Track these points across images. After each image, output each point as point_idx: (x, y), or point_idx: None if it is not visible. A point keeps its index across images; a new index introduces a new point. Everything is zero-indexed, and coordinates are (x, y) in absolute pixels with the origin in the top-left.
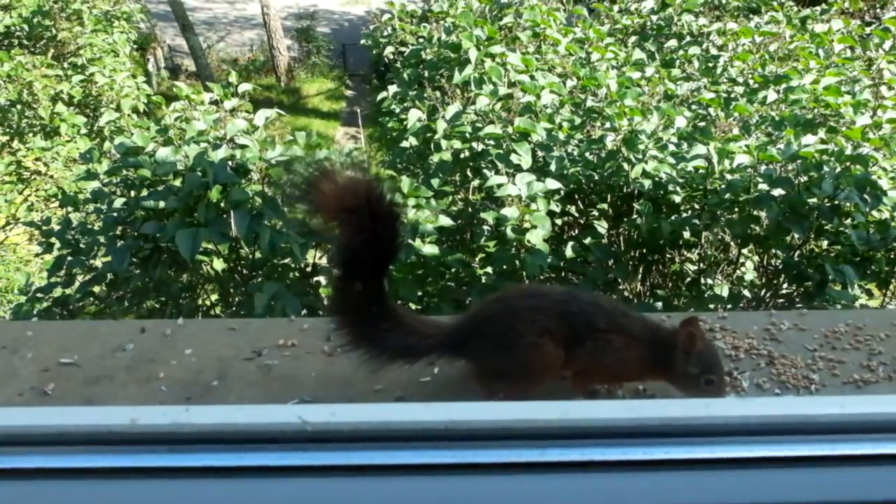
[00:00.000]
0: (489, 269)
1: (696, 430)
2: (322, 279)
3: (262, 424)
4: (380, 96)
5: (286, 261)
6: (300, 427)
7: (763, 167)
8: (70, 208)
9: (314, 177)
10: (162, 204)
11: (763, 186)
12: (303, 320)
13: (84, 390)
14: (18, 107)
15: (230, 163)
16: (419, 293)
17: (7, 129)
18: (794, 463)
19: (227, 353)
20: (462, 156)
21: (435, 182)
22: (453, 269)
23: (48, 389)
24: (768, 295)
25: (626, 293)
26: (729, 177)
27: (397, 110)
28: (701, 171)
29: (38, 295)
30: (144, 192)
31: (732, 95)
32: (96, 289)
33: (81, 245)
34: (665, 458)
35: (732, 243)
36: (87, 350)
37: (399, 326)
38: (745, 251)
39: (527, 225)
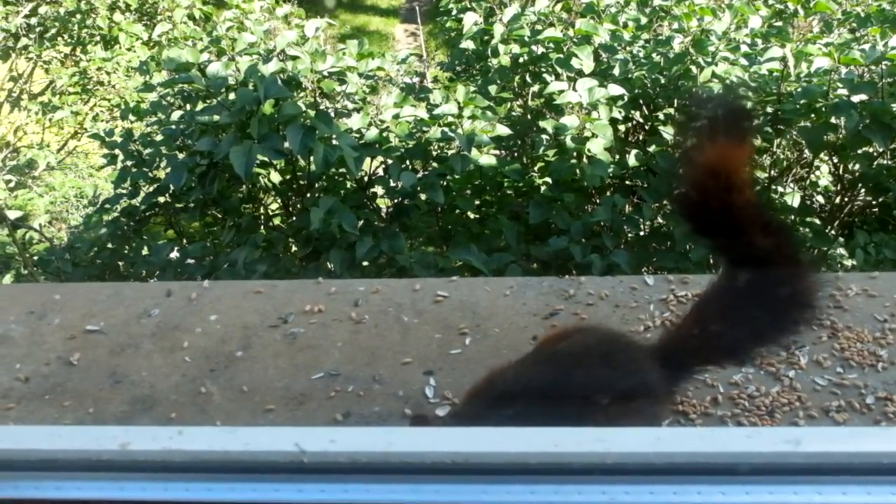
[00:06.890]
0: (548, 179)
1: (733, 468)
2: (378, 190)
3: (257, 453)
4: None
5: (342, 170)
6: (297, 456)
7: (844, 70)
8: (133, 118)
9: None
10: (216, 118)
11: (842, 92)
12: (330, 283)
13: (109, 360)
14: (78, 16)
15: (281, 76)
16: (476, 202)
17: (69, 40)
18: None
19: (253, 320)
20: (521, 60)
21: (492, 89)
22: (511, 179)
23: (74, 360)
24: (844, 201)
25: None
26: (806, 82)
27: (454, 11)
28: (775, 74)
29: (106, 206)
30: (200, 106)
31: None
32: (161, 199)
33: (144, 157)
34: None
35: (807, 149)
36: (112, 315)
37: None
38: (821, 155)
39: (587, 134)
